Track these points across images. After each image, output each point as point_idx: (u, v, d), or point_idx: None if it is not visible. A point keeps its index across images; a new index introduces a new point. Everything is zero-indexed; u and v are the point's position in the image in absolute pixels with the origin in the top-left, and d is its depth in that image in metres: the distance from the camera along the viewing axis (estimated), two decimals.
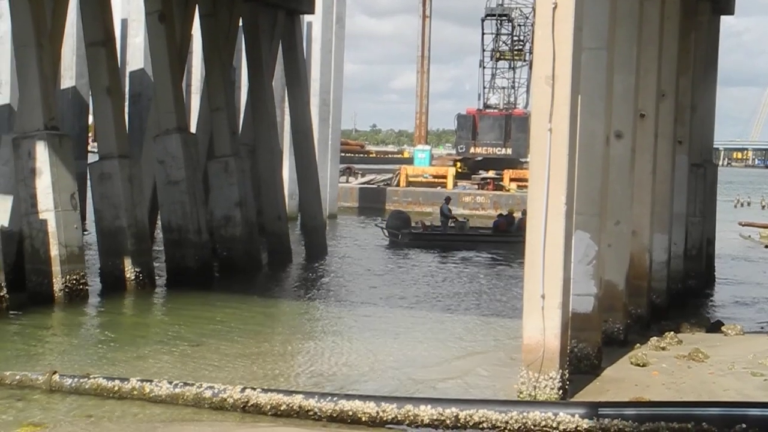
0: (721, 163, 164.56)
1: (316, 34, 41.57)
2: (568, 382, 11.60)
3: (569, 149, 11.33)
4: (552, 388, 11.30)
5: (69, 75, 31.97)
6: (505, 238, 33.48)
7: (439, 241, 33.01)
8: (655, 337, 15.24)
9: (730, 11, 25.14)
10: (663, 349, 14.67)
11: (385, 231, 34.16)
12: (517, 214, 35.70)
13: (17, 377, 12.54)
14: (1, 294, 17.33)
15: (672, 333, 15.52)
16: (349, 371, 14.44)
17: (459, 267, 28.60)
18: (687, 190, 21.30)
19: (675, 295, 20.28)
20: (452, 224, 34.19)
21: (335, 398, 11.03)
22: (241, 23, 26.89)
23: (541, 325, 11.30)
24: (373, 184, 54.05)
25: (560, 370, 11.37)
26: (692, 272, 22.78)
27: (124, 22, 33.74)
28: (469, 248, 32.16)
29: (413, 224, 34.29)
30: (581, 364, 13.04)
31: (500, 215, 35.84)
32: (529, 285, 11.45)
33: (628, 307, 15.82)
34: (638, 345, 14.78)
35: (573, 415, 10.13)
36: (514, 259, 29.79)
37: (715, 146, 31.45)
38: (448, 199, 36.64)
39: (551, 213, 11.29)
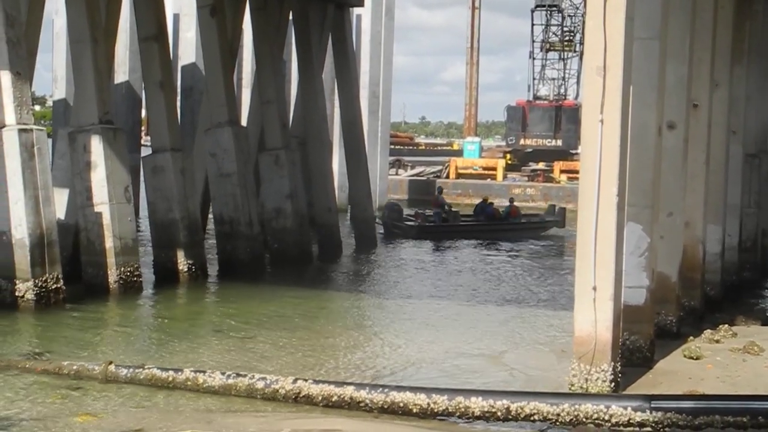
0: None
1: (365, 26, 41.61)
2: (620, 375, 11.52)
3: (621, 140, 11.24)
4: (604, 381, 11.23)
5: (122, 70, 32.47)
6: (508, 225, 34.24)
7: (446, 232, 33.18)
8: (708, 330, 15.06)
9: None
10: (717, 341, 14.50)
11: (380, 222, 33.97)
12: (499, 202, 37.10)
13: (74, 367, 12.78)
14: (59, 286, 17.66)
15: (726, 326, 15.33)
16: (399, 362, 14.49)
17: (496, 257, 28.76)
18: (741, 180, 20.99)
19: (729, 288, 20.01)
20: (444, 214, 34.41)
21: (386, 390, 11.07)
22: (291, 16, 27.02)
23: (593, 317, 11.23)
24: (422, 176, 53.94)
25: (612, 363, 11.29)
26: (747, 264, 22.44)
27: (176, 17, 34.12)
28: (474, 237, 32.62)
29: (406, 215, 34.44)
30: (633, 356, 12.93)
31: (489, 205, 35.94)
32: (581, 277, 11.39)
33: (681, 300, 15.64)
34: (692, 338, 14.61)
35: (626, 408, 10.07)
36: (540, 247, 31.13)
37: None
38: (440, 189, 37.83)
39: (603, 205, 11.21)
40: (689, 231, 16.09)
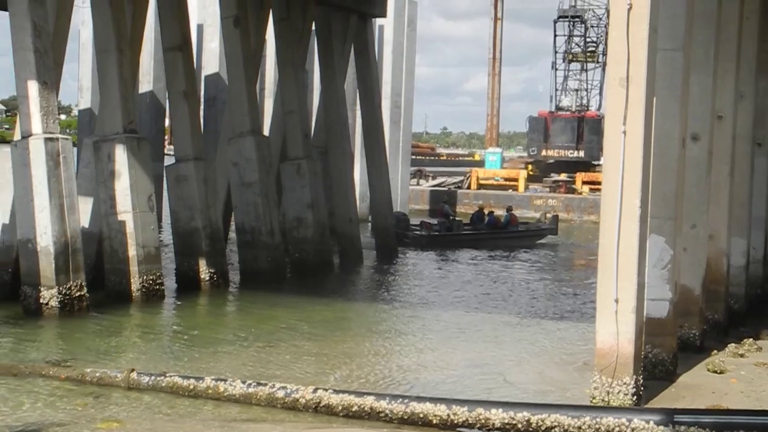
0: None
1: (387, 37, 41.70)
2: (642, 388, 11.45)
3: (644, 152, 11.20)
4: (626, 394, 11.17)
5: (147, 79, 32.68)
6: (509, 233, 35.41)
7: (454, 241, 33.82)
8: (733, 344, 14.94)
9: None
10: (741, 356, 14.38)
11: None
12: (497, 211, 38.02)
13: (97, 374, 12.87)
14: (82, 293, 17.79)
15: (751, 340, 15.19)
16: (419, 373, 14.47)
17: (506, 265, 28.96)
18: (766, 193, 20.83)
19: (754, 301, 19.83)
20: (448, 224, 35.21)
21: (406, 400, 11.06)
22: (314, 27, 27.13)
23: (615, 329, 11.17)
24: (443, 186, 53.96)
25: (634, 376, 11.23)
26: None
27: (200, 28, 34.32)
28: (479, 246, 33.31)
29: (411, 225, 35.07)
30: (656, 369, 12.85)
31: (490, 213, 36.70)
32: (603, 289, 11.33)
33: (705, 313, 15.53)
34: (715, 351, 14.51)
35: (648, 422, 10.00)
36: (542, 255, 31.98)
37: None
38: (445, 200, 39.69)
39: (625, 216, 11.16)
40: (713, 243, 15.98)
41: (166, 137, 38.63)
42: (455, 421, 10.67)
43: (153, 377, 12.53)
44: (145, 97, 32.48)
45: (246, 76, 23.22)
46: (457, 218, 37.00)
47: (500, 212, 37.39)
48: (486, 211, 36.99)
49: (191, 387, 12.20)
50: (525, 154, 67.15)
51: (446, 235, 34.12)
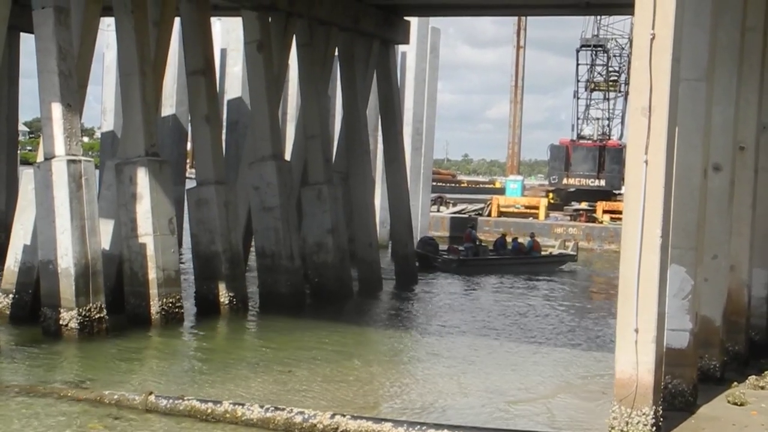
0: None
1: (410, 63, 41.84)
2: (661, 419, 11.35)
3: (665, 181, 11.17)
4: (645, 425, 11.07)
5: (169, 103, 32.93)
6: (533, 259, 35.97)
7: (482, 266, 34.20)
8: (753, 376, 14.80)
9: None
10: (762, 388, 14.23)
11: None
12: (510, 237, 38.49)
13: (115, 397, 12.91)
14: (102, 315, 17.85)
15: None
16: (437, 400, 14.41)
17: (529, 292, 28.82)
18: None
19: None
20: (475, 249, 35.56)
21: (424, 427, 11.03)
22: (336, 52, 27.29)
23: (635, 359, 11.10)
24: (464, 213, 53.85)
25: (654, 407, 11.14)
26: None
27: (224, 52, 34.59)
28: (504, 271, 33.66)
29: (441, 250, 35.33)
30: (675, 400, 12.75)
31: (514, 240, 37.14)
32: (623, 318, 11.27)
33: (725, 344, 15.41)
34: (735, 383, 14.37)
35: None
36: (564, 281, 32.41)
37: None
38: (472, 225, 40.83)
39: (646, 246, 11.12)
40: (734, 274, 15.88)
41: (188, 161, 38.80)
42: None
43: (171, 400, 12.55)
44: (168, 120, 32.71)
45: (268, 100, 23.35)
46: (482, 244, 37.31)
47: (523, 239, 37.50)
48: (509, 238, 37.27)
49: (209, 411, 12.21)
50: (546, 182, 67.04)
51: (474, 259, 34.43)
